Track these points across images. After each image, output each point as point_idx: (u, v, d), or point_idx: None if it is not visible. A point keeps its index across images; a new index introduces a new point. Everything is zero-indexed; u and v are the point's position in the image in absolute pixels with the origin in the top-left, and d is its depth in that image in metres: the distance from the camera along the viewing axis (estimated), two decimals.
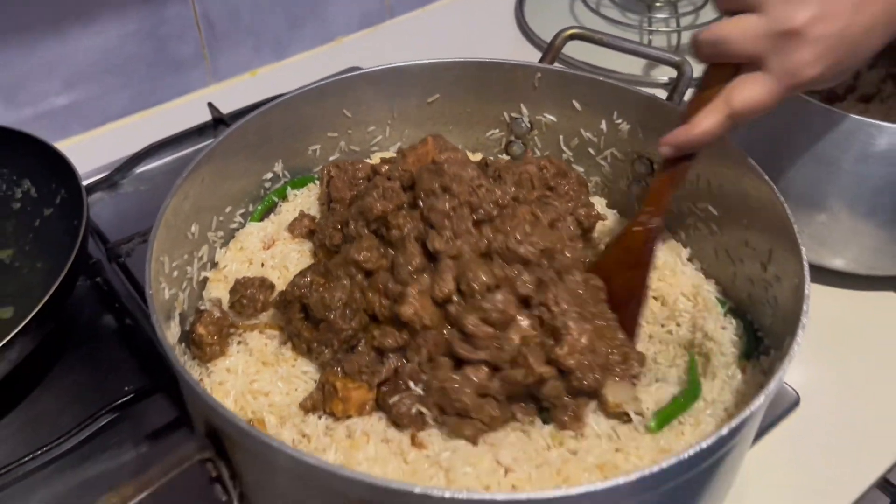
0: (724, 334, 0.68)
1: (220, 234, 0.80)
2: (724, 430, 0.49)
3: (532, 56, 1.25)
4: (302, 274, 0.70)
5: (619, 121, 0.82)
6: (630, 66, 1.19)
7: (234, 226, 0.82)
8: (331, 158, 0.88)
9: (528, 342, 0.62)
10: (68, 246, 0.80)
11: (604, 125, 0.83)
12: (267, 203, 0.84)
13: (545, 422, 0.63)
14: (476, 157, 0.87)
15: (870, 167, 0.79)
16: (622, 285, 0.69)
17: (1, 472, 0.72)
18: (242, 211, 0.83)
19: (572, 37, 0.89)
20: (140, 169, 1.07)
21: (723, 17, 0.63)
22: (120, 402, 0.76)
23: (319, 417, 0.64)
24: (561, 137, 0.87)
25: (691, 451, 0.48)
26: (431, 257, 0.67)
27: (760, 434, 0.75)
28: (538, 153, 0.89)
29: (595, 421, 0.62)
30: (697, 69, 0.70)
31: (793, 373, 0.78)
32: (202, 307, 0.74)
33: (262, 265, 0.78)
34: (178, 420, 0.79)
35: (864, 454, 0.76)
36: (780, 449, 0.76)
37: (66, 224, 0.87)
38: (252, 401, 0.66)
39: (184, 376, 0.54)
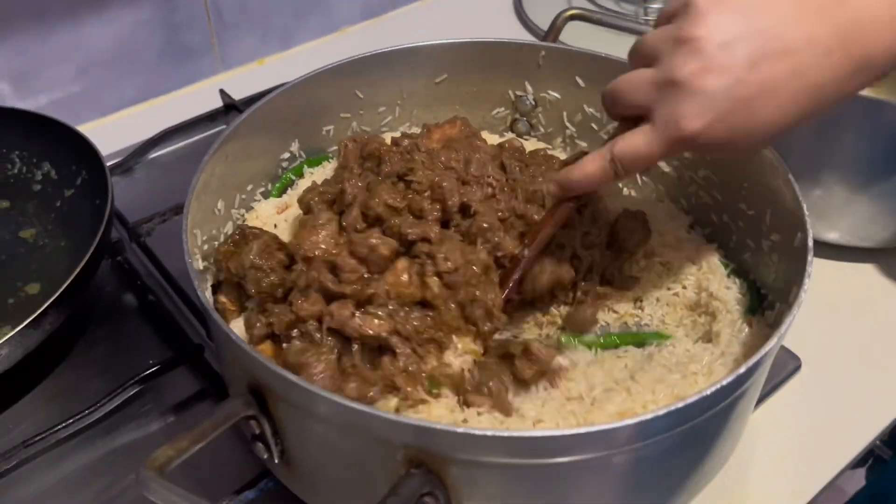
0: (728, 293, 0.71)
1: (242, 211, 0.82)
2: (742, 369, 0.52)
3: None
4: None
5: None
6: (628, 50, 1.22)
7: (255, 204, 0.85)
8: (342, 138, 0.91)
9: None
10: (91, 225, 0.82)
11: None
12: (285, 181, 0.87)
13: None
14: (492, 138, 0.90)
15: (865, 142, 0.82)
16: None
17: (34, 441, 0.74)
18: (262, 189, 0.85)
19: (573, 17, 0.93)
20: (153, 154, 1.09)
21: None
22: (148, 372, 0.79)
23: None
24: (564, 114, 0.90)
25: (714, 388, 0.50)
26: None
27: (764, 397, 0.78)
28: (542, 130, 0.93)
29: (613, 367, 0.65)
30: None
31: (794, 339, 0.81)
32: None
33: (275, 227, 0.80)
34: (201, 392, 0.82)
35: (862, 416, 0.79)
36: (783, 411, 0.79)
37: (88, 204, 0.89)
38: None
39: (230, 335, 0.55)
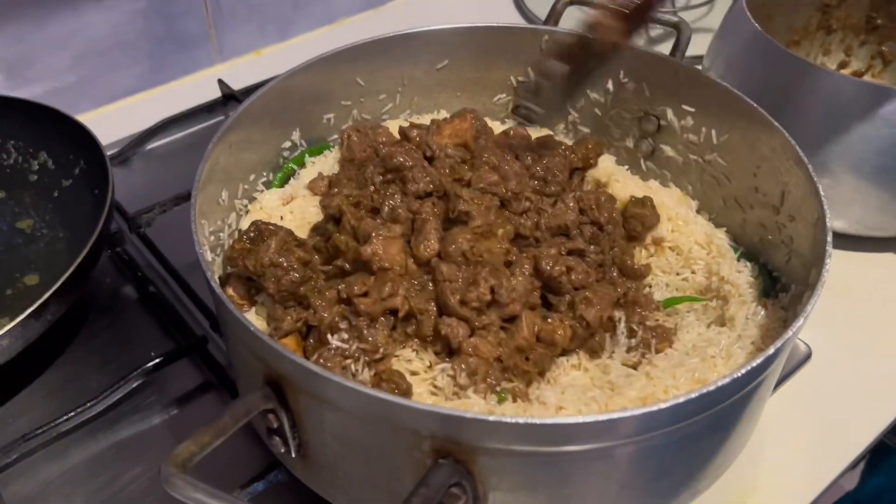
0: (740, 277, 0.70)
1: (245, 202, 0.81)
2: (771, 350, 0.51)
3: None
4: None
5: (626, 80, 0.84)
6: None
7: (257, 194, 0.84)
8: (343, 127, 0.90)
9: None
10: (89, 215, 0.81)
11: (610, 85, 0.86)
12: (286, 171, 0.86)
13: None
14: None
15: (874, 130, 0.81)
16: None
17: (36, 433, 0.73)
18: (264, 180, 0.84)
19: (571, 2, 0.92)
20: (151, 145, 1.08)
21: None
22: (151, 364, 0.78)
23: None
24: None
25: (745, 369, 0.50)
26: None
27: (776, 385, 0.78)
28: (544, 116, 0.92)
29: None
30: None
31: (804, 329, 0.81)
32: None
33: (281, 219, 0.79)
34: (205, 384, 0.81)
35: (872, 404, 0.79)
36: (795, 399, 0.79)
37: (86, 194, 0.88)
38: None
39: (249, 328, 0.54)
